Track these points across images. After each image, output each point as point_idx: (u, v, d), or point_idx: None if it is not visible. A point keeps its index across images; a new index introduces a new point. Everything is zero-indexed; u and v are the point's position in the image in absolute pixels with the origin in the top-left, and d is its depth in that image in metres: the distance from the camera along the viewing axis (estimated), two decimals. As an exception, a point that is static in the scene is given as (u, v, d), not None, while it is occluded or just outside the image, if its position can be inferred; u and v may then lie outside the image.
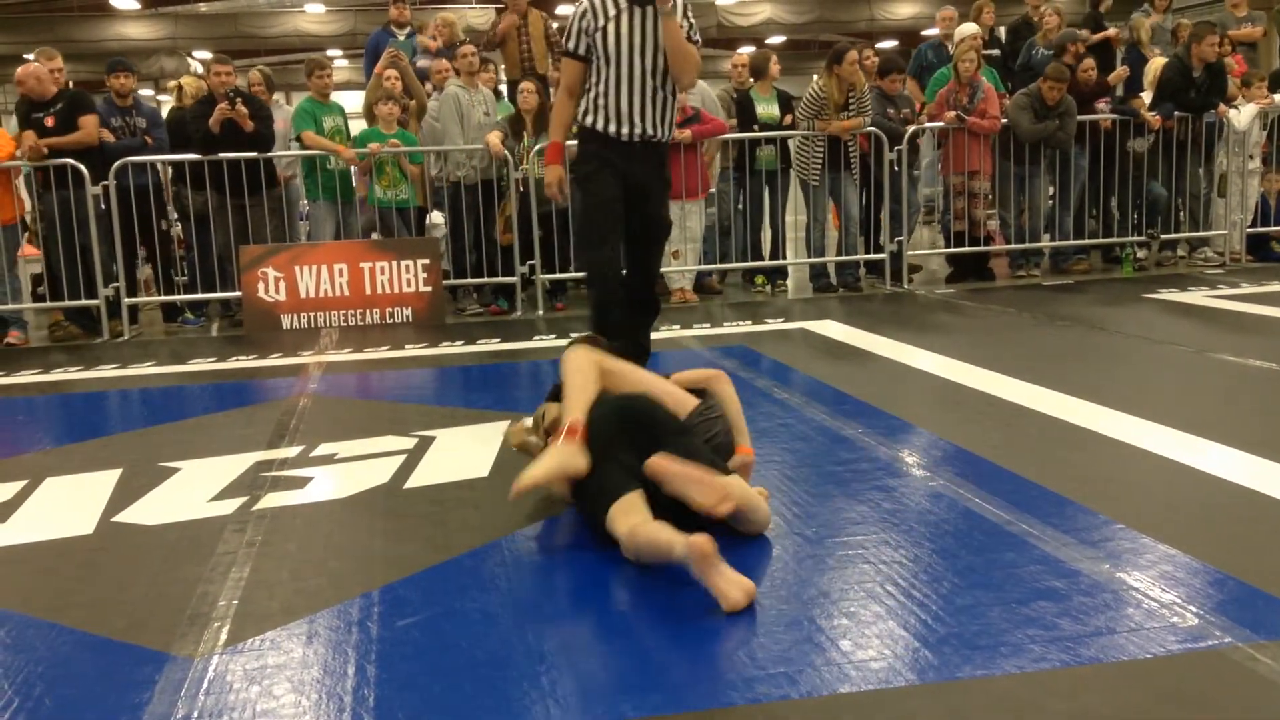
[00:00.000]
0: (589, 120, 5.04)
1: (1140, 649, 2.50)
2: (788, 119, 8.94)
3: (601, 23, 4.93)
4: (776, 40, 31.57)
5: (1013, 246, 9.31)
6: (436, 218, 8.67)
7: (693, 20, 4.99)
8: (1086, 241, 9.57)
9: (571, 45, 5.03)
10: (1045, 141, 8.95)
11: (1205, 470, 3.80)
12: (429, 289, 8.15)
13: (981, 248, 9.18)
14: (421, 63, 9.52)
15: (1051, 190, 9.45)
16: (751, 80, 9.04)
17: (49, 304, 8.17)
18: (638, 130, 4.98)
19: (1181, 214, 9.69)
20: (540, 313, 8.27)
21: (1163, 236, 9.54)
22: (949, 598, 2.81)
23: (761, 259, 9.23)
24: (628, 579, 3.02)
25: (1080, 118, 9.00)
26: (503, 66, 9.96)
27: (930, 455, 4.15)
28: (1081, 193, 9.42)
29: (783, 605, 2.82)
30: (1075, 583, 2.87)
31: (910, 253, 9.13)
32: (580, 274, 8.49)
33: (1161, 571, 2.92)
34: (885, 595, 2.84)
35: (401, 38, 9.83)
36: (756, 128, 8.81)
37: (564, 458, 3.24)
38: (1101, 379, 5.33)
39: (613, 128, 4.99)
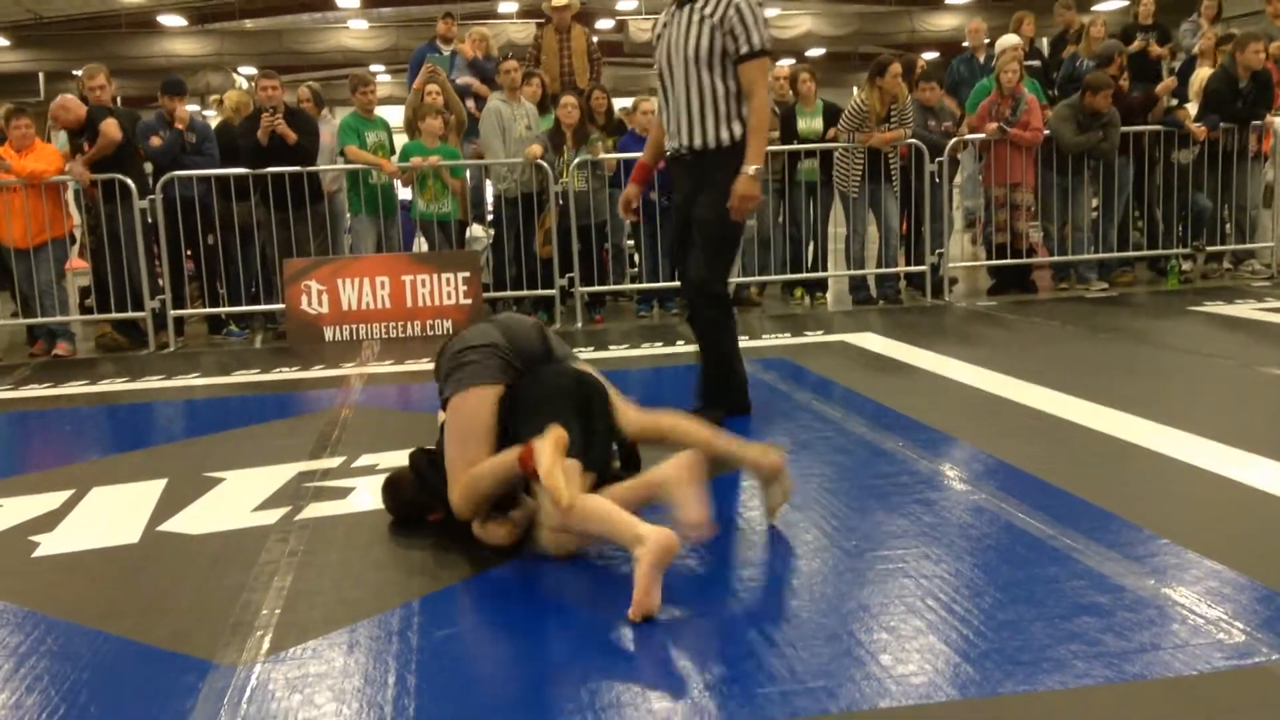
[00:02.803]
0: None
1: (1186, 666, 2.46)
2: (831, 132, 8.92)
3: (658, 31, 4.88)
4: (817, 52, 31.56)
5: (1056, 259, 9.22)
6: (477, 230, 8.71)
7: (749, 25, 4.63)
8: (1131, 253, 9.47)
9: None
10: (1089, 153, 8.87)
11: (1252, 485, 3.74)
12: (469, 301, 8.20)
13: (1024, 259, 9.10)
14: (460, 80, 9.59)
15: (1095, 202, 9.36)
16: (792, 95, 9.05)
17: (96, 316, 8.29)
18: (683, 143, 4.78)
19: (1228, 225, 9.56)
20: (579, 325, 8.29)
21: (1208, 248, 9.42)
22: (991, 613, 2.78)
23: (801, 271, 9.21)
24: (667, 591, 3.01)
25: (1124, 128, 8.92)
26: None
27: (972, 469, 4.12)
28: (1126, 204, 9.32)
29: (822, 618, 2.81)
30: (1119, 598, 2.84)
31: (951, 265, 9.07)
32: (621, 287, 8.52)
33: (1207, 587, 2.88)
34: (926, 610, 2.82)
35: (446, 53, 9.93)
36: (797, 142, 8.80)
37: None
38: (1146, 392, 5.27)
39: (668, 143, 4.89)
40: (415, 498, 3.67)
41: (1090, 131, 8.77)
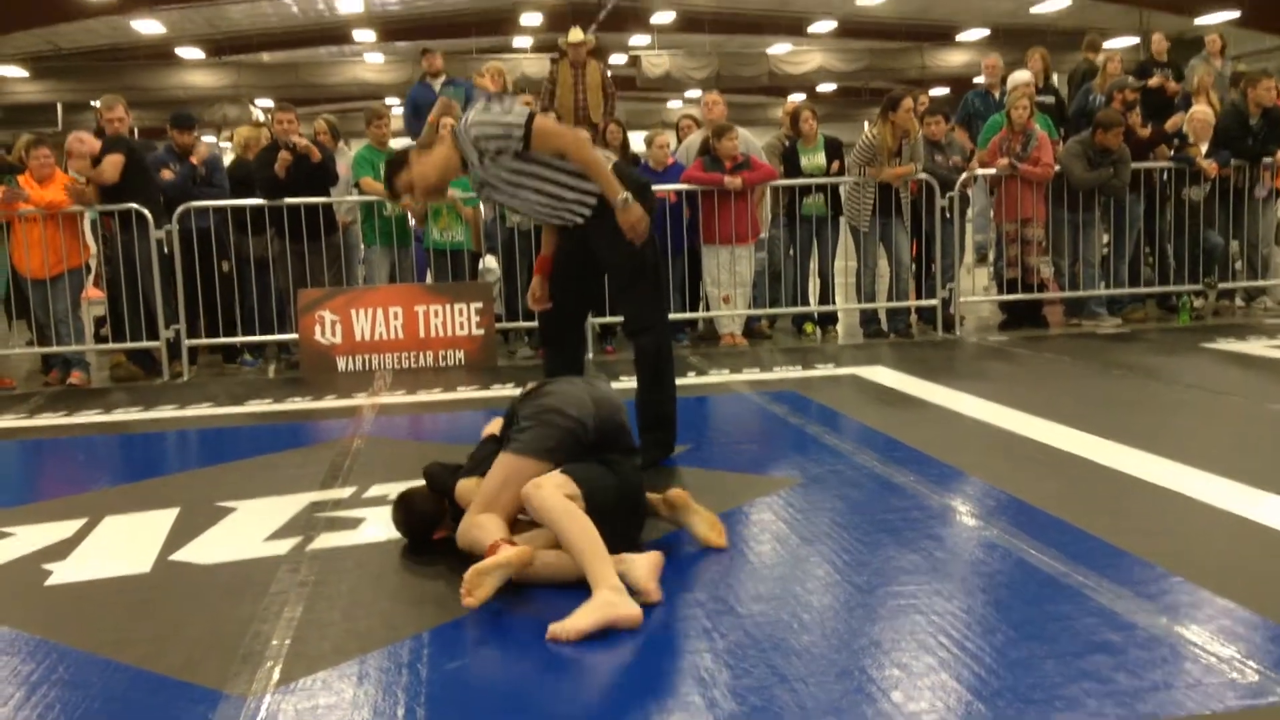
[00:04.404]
0: None
1: (1199, 705, 2.45)
2: (835, 166, 8.98)
3: (477, 182, 4.79)
4: (827, 88, 31.75)
5: (1067, 294, 9.23)
6: (490, 262, 8.76)
7: (496, 123, 4.40)
8: (1143, 290, 9.46)
9: None
10: (1100, 189, 8.89)
11: (1265, 523, 3.72)
12: (481, 332, 8.22)
13: (1036, 295, 9.11)
14: None
15: (1107, 238, 9.37)
16: (790, 131, 9.14)
17: (111, 345, 8.34)
18: (566, 221, 4.77)
19: (1239, 262, 9.55)
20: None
21: (1220, 285, 9.42)
22: (1003, 650, 2.77)
23: (811, 304, 9.23)
24: (681, 624, 3.01)
25: (1135, 165, 8.94)
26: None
27: (984, 504, 4.11)
28: (1137, 240, 9.33)
29: (834, 654, 2.80)
30: (1132, 636, 2.83)
31: (962, 299, 9.08)
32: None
33: (1220, 626, 2.87)
34: (938, 646, 2.81)
35: (437, 87, 10.03)
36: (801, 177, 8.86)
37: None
38: (1158, 429, 5.26)
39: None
40: (424, 508, 3.73)
41: (1101, 168, 8.80)
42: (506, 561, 3.14)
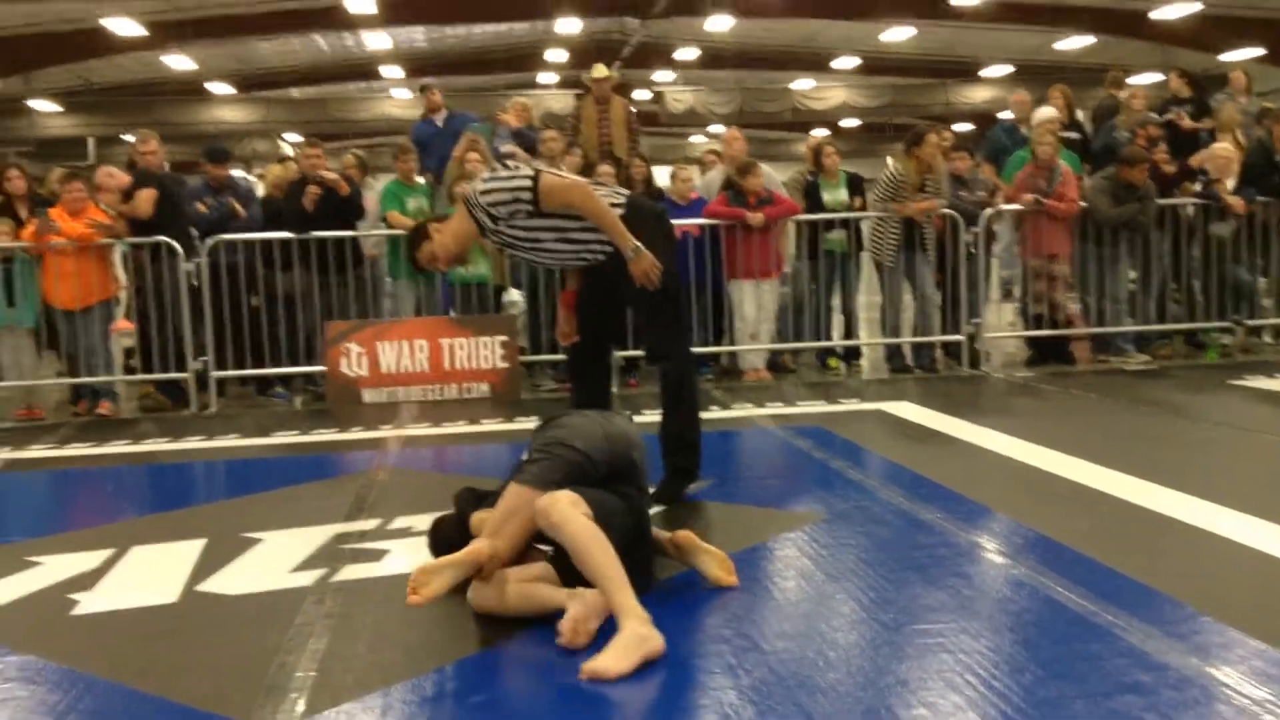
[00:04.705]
0: None
1: (1233, 748, 2.41)
2: (857, 201, 8.99)
3: (496, 243, 4.90)
4: (851, 123, 31.85)
5: (1094, 330, 9.18)
6: (514, 295, 8.80)
7: (503, 189, 4.54)
8: (1169, 326, 9.41)
9: None
10: (1126, 225, 8.87)
11: (1298, 563, 3.68)
12: (506, 365, 8.25)
13: (1062, 331, 9.07)
14: (505, 148, 9.75)
15: (1133, 274, 9.33)
16: (813, 166, 9.17)
17: (139, 376, 8.41)
18: (589, 261, 4.86)
19: (1266, 299, 9.49)
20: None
21: (1248, 322, 9.35)
22: (1031, 689, 2.75)
23: (834, 339, 9.22)
24: (705, 660, 2.99)
25: (1161, 201, 8.92)
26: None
27: (1011, 542, 4.08)
28: (1164, 276, 9.29)
29: (860, 692, 2.78)
30: (1163, 677, 2.79)
31: (987, 335, 9.05)
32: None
33: (1253, 667, 2.83)
34: (965, 685, 2.79)
35: (440, 122, 10.12)
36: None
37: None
38: (1187, 466, 5.21)
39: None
40: (448, 534, 3.74)
41: (1127, 204, 8.78)
42: (458, 561, 3.18)
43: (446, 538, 3.76)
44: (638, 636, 2.97)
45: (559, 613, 3.17)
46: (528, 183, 4.53)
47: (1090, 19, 22.15)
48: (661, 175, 10.16)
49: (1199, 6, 20.18)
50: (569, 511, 3.22)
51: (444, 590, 3.17)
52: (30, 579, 4.01)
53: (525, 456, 3.60)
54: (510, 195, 4.52)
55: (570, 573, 3.29)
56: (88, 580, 3.97)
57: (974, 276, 8.86)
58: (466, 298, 8.62)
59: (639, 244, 4.57)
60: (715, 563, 3.63)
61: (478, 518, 3.64)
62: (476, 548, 3.26)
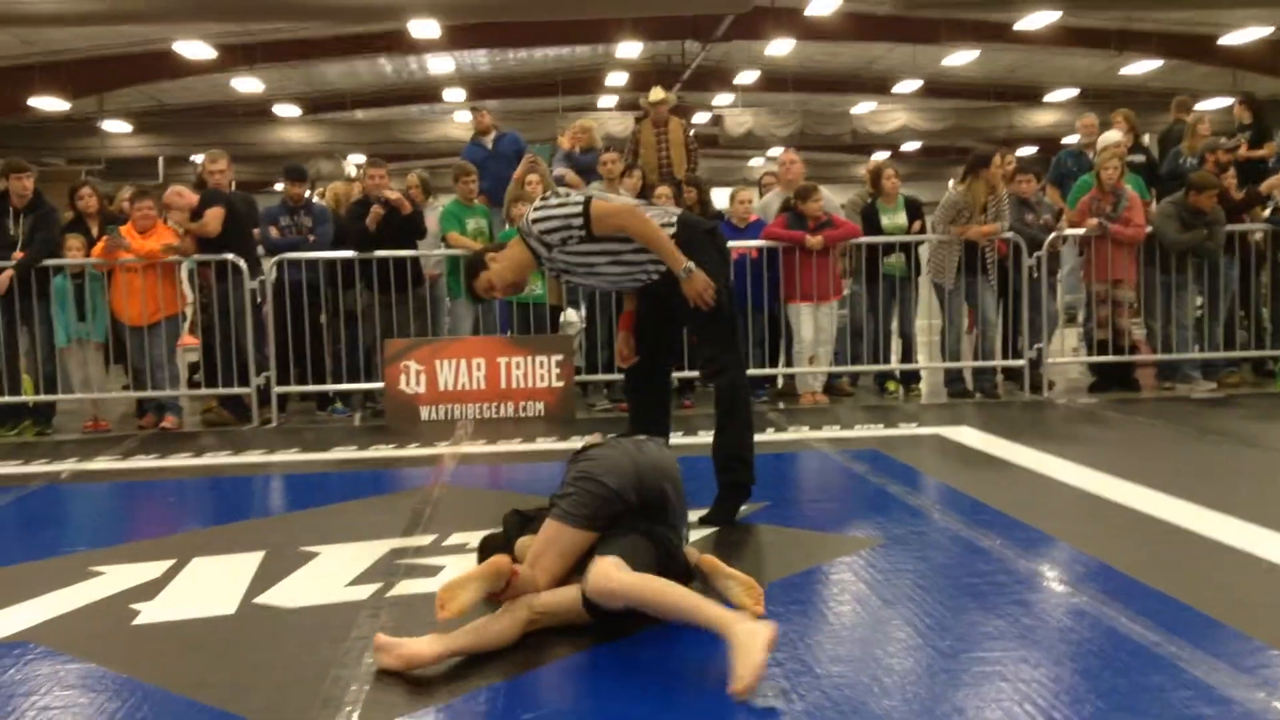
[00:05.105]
0: None
1: (1302, 786, 2.34)
2: (915, 226, 8.93)
3: (550, 269, 4.92)
4: (912, 147, 31.64)
5: (1160, 357, 9.02)
6: (571, 315, 8.84)
7: (557, 216, 4.57)
8: (1237, 353, 9.22)
9: None
10: (1193, 251, 8.72)
11: (1372, 598, 3.57)
12: (561, 384, 8.28)
13: (1127, 357, 8.92)
14: (556, 171, 9.83)
15: (1200, 300, 9.16)
16: (871, 189, 9.13)
17: (204, 391, 8.55)
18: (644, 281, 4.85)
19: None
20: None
21: (1319, 350, 9.13)
22: (1092, 720, 2.69)
23: (892, 363, 9.14)
24: (760, 686, 2.96)
25: (1230, 227, 8.75)
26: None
27: (1073, 570, 4.00)
28: (1232, 303, 9.11)
29: None
30: (1227, 711, 2.72)
31: (1051, 361, 8.92)
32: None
33: (1325, 704, 2.75)
34: (1023, 715, 2.73)
35: (489, 144, 10.22)
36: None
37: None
38: (1254, 497, 5.09)
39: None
40: (498, 550, 3.73)
41: (1195, 230, 8.62)
42: (481, 575, 3.21)
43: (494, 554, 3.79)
44: (746, 633, 2.93)
45: (592, 625, 3.27)
46: (579, 209, 4.56)
47: (1158, 43, 21.83)
48: (720, 197, 10.17)
49: (1269, 30, 19.83)
50: (625, 579, 3.20)
51: (471, 605, 3.21)
52: (93, 588, 4.08)
53: (560, 489, 3.60)
54: (562, 222, 4.56)
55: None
56: (149, 590, 4.03)
57: (1037, 301, 8.74)
58: (524, 317, 8.68)
59: (691, 264, 4.58)
60: (740, 588, 3.55)
61: (522, 543, 3.68)
62: (496, 560, 3.28)
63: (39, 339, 8.08)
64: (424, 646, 3.13)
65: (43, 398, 8.22)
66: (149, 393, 8.22)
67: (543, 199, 4.73)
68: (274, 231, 8.55)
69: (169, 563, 4.37)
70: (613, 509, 3.48)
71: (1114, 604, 3.54)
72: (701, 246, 4.70)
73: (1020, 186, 8.84)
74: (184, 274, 8.70)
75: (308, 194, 8.97)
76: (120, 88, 22.76)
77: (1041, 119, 26.76)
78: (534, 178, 9.12)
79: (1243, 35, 20.27)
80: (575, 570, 3.45)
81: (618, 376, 8.52)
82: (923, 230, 8.98)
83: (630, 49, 22.83)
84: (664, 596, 3.15)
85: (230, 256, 8.16)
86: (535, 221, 4.59)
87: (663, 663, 3.20)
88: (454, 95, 27.20)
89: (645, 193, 9.28)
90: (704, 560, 3.69)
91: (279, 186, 8.96)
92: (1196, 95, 14.09)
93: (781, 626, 3.40)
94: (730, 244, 8.42)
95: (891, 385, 9.14)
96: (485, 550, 3.85)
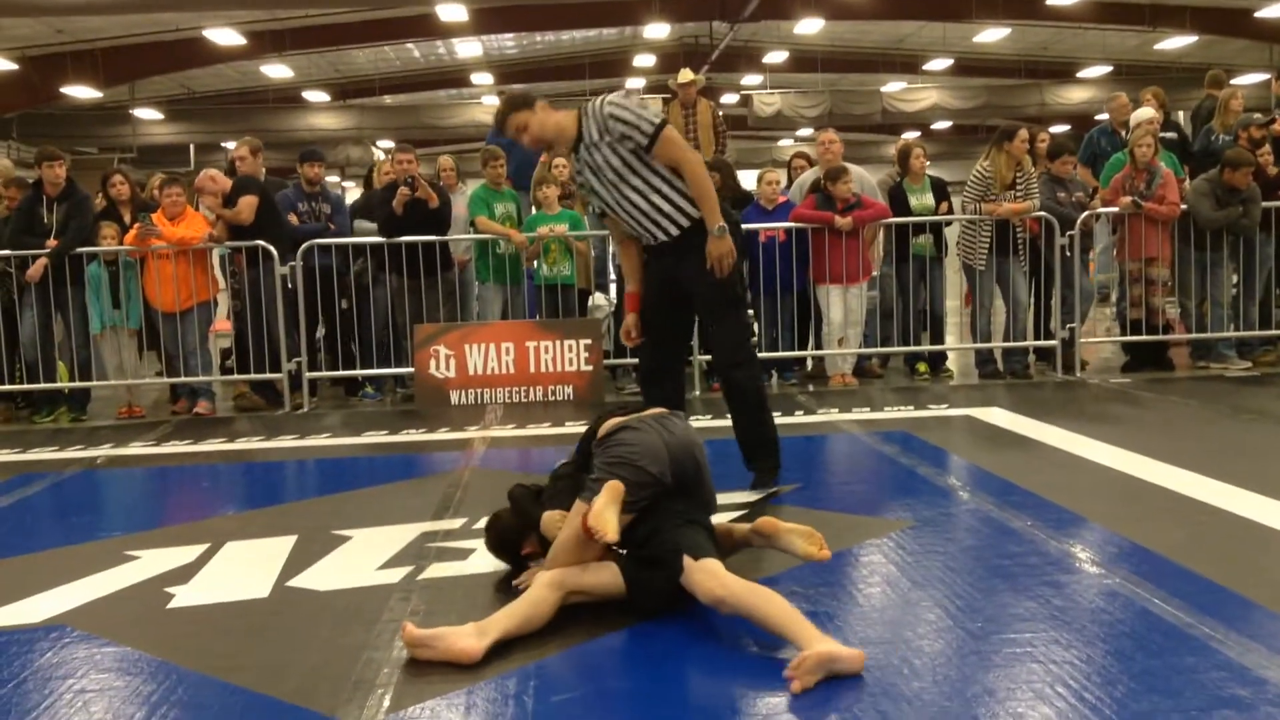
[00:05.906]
0: None
1: (1338, 769, 2.32)
2: (943, 207, 8.86)
3: (578, 181, 4.99)
4: (943, 125, 31.39)
5: (1194, 336, 8.92)
6: (599, 299, 8.84)
7: (632, 119, 4.58)
8: (1273, 332, 9.10)
9: None
10: (1228, 228, 8.60)
11: None
12: (590, 368, 8.29)
13: (1160, 336, 8.83)
14: None
15: (1236, 278, 9.04)
16: (898, 171, 9.06)
17: (235, 376, 8.62)
18: (656, 238, 4.84)
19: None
20: (697, 393, 8.30)
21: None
22: (1124, 702, 2.67)
23: (922, 344, 9.09)
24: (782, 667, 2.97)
25: (1266, 204, 8.63)
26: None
27: (1105, 551, 3.98)
28: (1268, 281, 8.99)
29: (946, 702, 2.73)
30: (1261, 691, 2.70)
31: (1083, 340, 8.84)
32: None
33: (1362, 686, 2.72)
34: (1055, 697, 2.72)
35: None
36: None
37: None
38: (1292, 477, 5.03)
39: (643, 242, 4.99)
40: (508, 523, 3.82)
41: (1229, 207, 8.51)
42: (611, 495, 3.28)
43: (506, 526, 3.84)
44: (817, 657, 2.86)
45: (623, 601, 3.35)
46: (655, 122, 4.60)
47: (1192, 18, 21.54)
48: (748, 179, 10.12)
49: (1309, 3, 19.50)
50: (736, 588, 3.17)
51: (618, 520, 3.29)
52: (129, 572, 4.13)
53: (593, 473, 3.55)
54: (634, 120, 4.58)
55: (637, 567, 3.39)
56: (183, 574, 4.08)
57: (1069, 280, 8.66)
58: (552, 301, 8.68)
59: (725, 225, 4.63)
60: (803, 538, 3.53)
61: (550, 518, 3.66)
62: (612, 485, 3.36)
63: (74, 326, 8.16)
64: (471, 642, 3.09)
65: (78, 384, 8.32)
66: (182, 379, 8.30)
67: (625, 93, 4.75)
68: (293, 218, 8.59)
69: (203, 547, 4.42)
70: (651, 492, 3.48)
71: (1146, 585, 3.52)
72: None
73: (1062, 167, 8.74)
74: (216, 260, 8.76)
75: (326, 177, 9.00)
76: (151, 75, 22.93)
77: (1074, 95, 26.51)
78: (560, 160, 9.11)
79: (1279, 8, 19.93)
80: (607, 549, 3.45)
81: (647, 359, 8.52)
82: (950, 210, 8.90)
83: (658, 30, 22.77)
84: (770, 605, 3.09)
85: (261, 243, 8.21)
86: (611, 103, 4.62)
87: (693, 646, 3.21)
88: (482, 79, 27.25)
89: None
90: (763, 523, 3.67)
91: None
92: (1232, 70, 13.91)
93: (812, 607, 3.41)
94: (758, 226, 8.47)
95: (922, 366, 9.09)
96: (493, 527, 3.88)
